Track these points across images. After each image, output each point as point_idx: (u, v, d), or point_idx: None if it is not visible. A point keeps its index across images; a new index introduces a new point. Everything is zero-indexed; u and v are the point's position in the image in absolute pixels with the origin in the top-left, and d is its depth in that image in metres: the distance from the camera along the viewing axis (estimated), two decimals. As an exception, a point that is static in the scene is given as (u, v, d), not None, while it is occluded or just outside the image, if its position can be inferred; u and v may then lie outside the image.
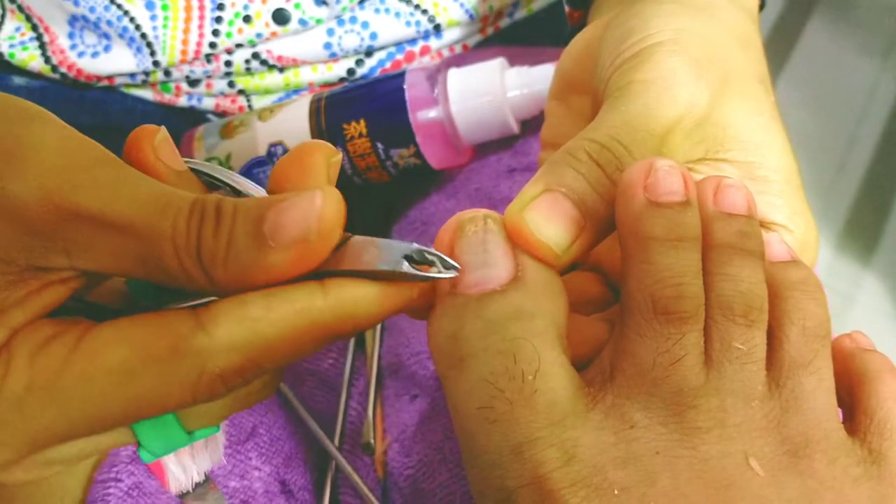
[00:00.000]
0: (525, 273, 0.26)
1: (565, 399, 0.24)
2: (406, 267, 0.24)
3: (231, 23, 0.51)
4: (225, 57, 0.52)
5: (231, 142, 0.52)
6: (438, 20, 0.53)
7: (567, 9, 0.44)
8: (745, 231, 0.26)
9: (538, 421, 0.24)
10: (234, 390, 0.24)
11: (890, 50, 1.36)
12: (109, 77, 0.53)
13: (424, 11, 0.52)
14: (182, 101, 0.55)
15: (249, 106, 0.55)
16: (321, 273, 0.24)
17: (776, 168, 0.30)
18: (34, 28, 0.52)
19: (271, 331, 0.23)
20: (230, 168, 0.51)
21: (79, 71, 0.52)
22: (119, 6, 0.50)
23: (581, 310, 0.29)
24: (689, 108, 0.29)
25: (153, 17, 0.50)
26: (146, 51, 0.51)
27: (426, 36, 0.54)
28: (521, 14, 0.57)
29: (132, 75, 0.53)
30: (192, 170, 0.27)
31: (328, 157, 0.26)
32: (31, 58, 0.52)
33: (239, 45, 0.51)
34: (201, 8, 0.51)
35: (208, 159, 0.52)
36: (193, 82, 0.54)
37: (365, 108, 0.49)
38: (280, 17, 0.51)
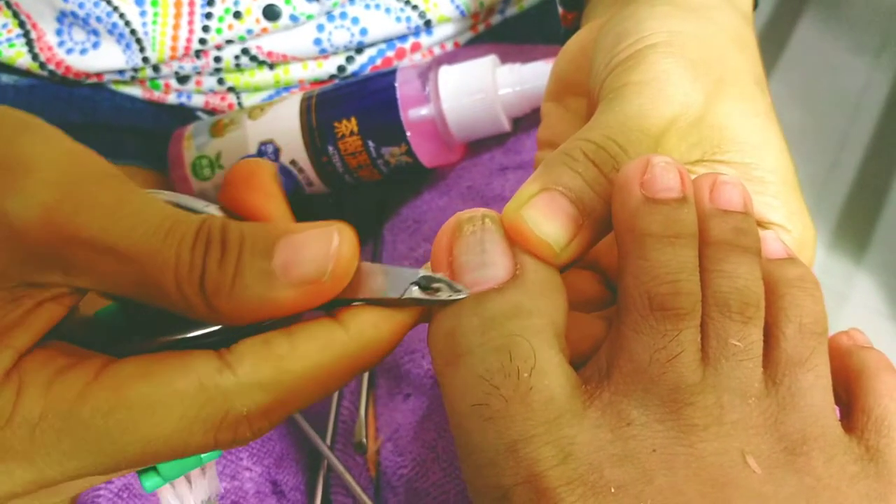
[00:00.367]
0: (523, 271, 0.26)
1: (561, 397, 0.24)
2: (417, 293, 0.25)
3: (221, 19, 0.50)
4: (214, 53, 0.52)
5: (221, 140, 0.51)
6: (429, 16, 0.52)
7: (560, 10, 0.44)
8: (741, 228, 0.26)
9: (534, 418, 0.24)
10: (258, 435, 0.24)
11: (882, 49, 1.36)
12: (98, 74, 0.53)
13: (415, 7, 0.52)
14: (171, 99, 0.55)
15: (239, 104, 0.55)
16: (330, 303, 0.24)
17: (773, 169, 0.30)
18: (21, 24, 0.52)
19: (298, 367, 0.23)
20: (221, 167, 0.51)
21: (67, 68, 0.52)
22: (108, 2, 0.49)
23: (579, 309, 0.29)
24: (684, 108, 0.29)
25: (143, 13, 0.50)
26: (135, 47, 0.51)
27: (417, 32, 0.54)
28: (512, 11, 0.57)
29: (121, 72, 0.53)
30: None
31: (272, 174, 0.26)
32: (18, 55, 0.52)
33: (229, 42, 0.51)
34: (191, 4, 0.50)
35: (198, 158, 0.52)
36: (183, 79, 0.54)
37: (356, 106, 0.49)
38: (270, 12, 0.50)
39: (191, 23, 0.50)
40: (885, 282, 1.14)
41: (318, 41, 0.52)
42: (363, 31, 0.52)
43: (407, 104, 0.48)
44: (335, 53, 0.53)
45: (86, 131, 0.53)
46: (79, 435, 0.22)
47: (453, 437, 0.26)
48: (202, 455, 0.25)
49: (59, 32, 0.52)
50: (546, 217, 0.26)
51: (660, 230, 0.25)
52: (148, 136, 0.55)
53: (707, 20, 0.32)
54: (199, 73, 0.53)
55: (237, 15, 0.50)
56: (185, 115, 0.56)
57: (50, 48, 0.52)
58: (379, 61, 0.54)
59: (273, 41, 0.52)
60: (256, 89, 0.54)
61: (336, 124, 0.48)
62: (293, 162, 0.50)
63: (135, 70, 0.52)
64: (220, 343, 0.24)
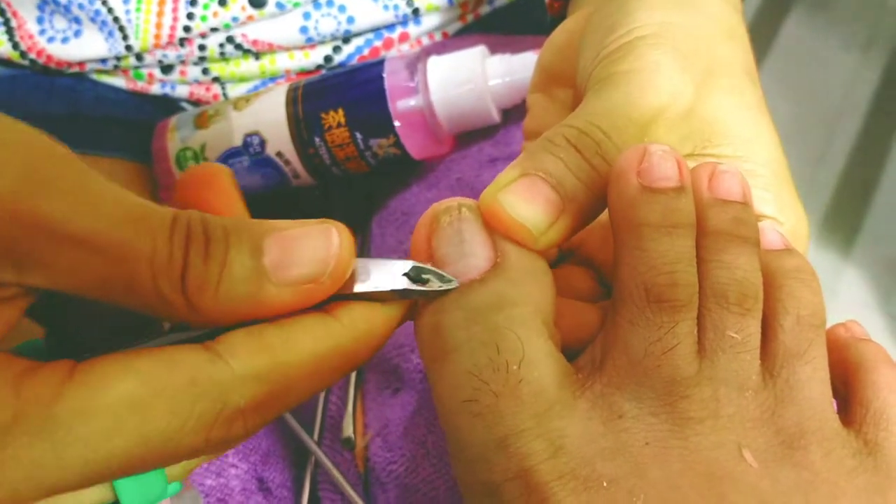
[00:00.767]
0: (505, 259, 0.25)
1: (552, 387, 0.24)
2: (409, 285, 0.24)
3: (206, 6, 0.49)
4: (199, 41, 0.51)
5: (206, 132, 0.51)
6: (417, 4, 0.52)
7: None
8: (740, 218, 0.26)
9: (524, 412, 0.23)
10: (250, 434, 0.22)
11: (870, 44, 1.36)
12: (80, 63, 0.52)
13: (403, -5, 0.51)
14: (155, 89, 0.54)
15: (224, 94, 0.54)
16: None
17: (764, 162, 0.29)
18: (2, 13, 0.51)
19: (293, 358, 0.22)
20: (205, 158, 0.50)
21: (48, 57, 0.51)
22: (90, -11, 0.49)
23: None
24: (673, 99, 0.29)
25: (126, 1, 0.49)
26: (118, 35, 0.50)
27: (405, 22, 0.53)
28: (501, 1, 0.56)
29: (103, 61, 0.52)
30: None
31: (231, 176, 0.25)
32: (-2, 43, 0.51)
33: (214, 30, 0.50)
34: (175, -9, 0.49)
35: (182, 150, 0.51)
36: (166, 69, 0.53)
37: (343, 97, 0.48)
38: (256, 0, 0.49)
39: (175, 10, 0.50)
40: (872, 275, 1.15)
41: (304, 29, 0.51)
42: (350, 20, 0.51)
43: (395, 95, 0.47)
44: (322, 43, 0.52)
45: (68, 122, 0.52)
46: (57, 440, 0.19)
47: (443, 432, 0.25)
48: (171, 485, 0.24)
49: (39, 20, 0.51)
50: (524, 201, 0.25)
51: (657, 220, 0.25)
52: (131, 127, 0.54)
53: (697, 11, 0.31)
54: (183, 63, 0.52)
55: (222, 2, 0.49)
56: (169, 105, 0.55)
57: (31, 36, 0.51)
58: (366, 51, 0.53)
59: (259, 29, 0.51)
60: (242, 80, 0.54)
61: (323, 115, 0.48)
62: (279, 154, 0.49)
63: (117, 59, 0.51)
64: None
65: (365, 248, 0.52)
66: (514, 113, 0.49)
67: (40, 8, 0.51)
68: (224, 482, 0.39)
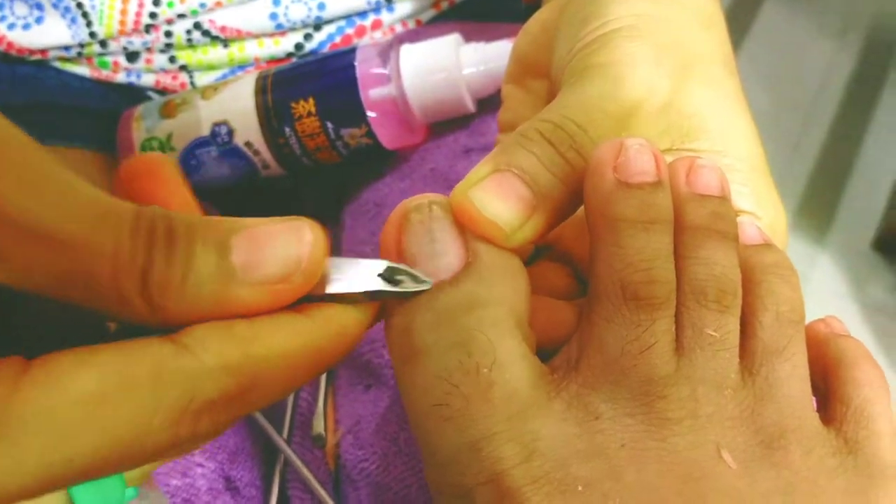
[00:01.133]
0: (477, 259, 0.24)
1: (524, 389, 0.23)
2: (383, 286, 0.23)
3: (172, -8, 0.48)
4: (165, 27, 0.50)
5: (172, 121, 0.49)
6: (390, -9, 0.51)
7: None
8: (718, 213, 0.26)
9: (496, 415, 0.23)
10: (217, 432, 0.21)
11: (845, 31, 1.37)
12: (42, 50, 0.50)
13: (375, -19, 0.50)
14: (120, 78, 0.53)
15: (192, 83, 0.53)
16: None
17: (742, 156, 0.29)
18: (-42, -2, 0.49)
19: (264, 352, 0.21)
20: (172, 149, 0.49)
21: (9, 44, 0.50)
22: (50, -26, 0.47)
23: None
24: (649, 92, 0.28)
25: (88, -14, 0.48)
26: (81, 21, 0.48)
27: (377, 9, 0.52)
28: (476, -12, 0.56)
29: (66, 48, 0.50)
30: None
31: (176, 166, 0.24)
32: (-45, 30, 0.49)
33: (181, 16, 0.49)
34: (140, -24, 0.48)
35: (148, 140, 0.50)
36: (132, 56, 0.52)
37: (314, 86, 0.47)
38: None
39: (140, -5, 0.48)
40: (846, 263, 1.15)
41: (274, 16, 0.50)
42: (321, 6, 0.50)
43: (367, 84, 0.46)
44: (292, 30, 0.51)
45: (30, 112, 0.51)
46: (14, 441, 0.18)
47: (413, 435, 0.25)
48: (128, 489, 0.23)
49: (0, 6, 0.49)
50: (495, 198, 0.25)
51: (634, 215, 0.24)
52: (96, 116, 0.53)
53: (673, 1, 0.31)
54: (149, 50, 0.51)
55: (189, -13, 0.48)
56: (134, 94, 0.54)
57: (-10, 23, 0.49)
58: (338, 39, 0.52)
59: (227, 15, 0.50)
60: (210, 68, 0.52)
61: (293, 105, 0.47)
62: (248, 143, 0.48)
63: (81, 46, 0.50)
64: None
65: (336, 240, 0.51)
66: (489, 102, 0.49)
67: (0, -7, 0.49)
68: (190, 482, 0.38)
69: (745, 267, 0.26)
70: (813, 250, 1.17)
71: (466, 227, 0.25)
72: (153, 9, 0.48)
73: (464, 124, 0.49)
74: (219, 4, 0.49)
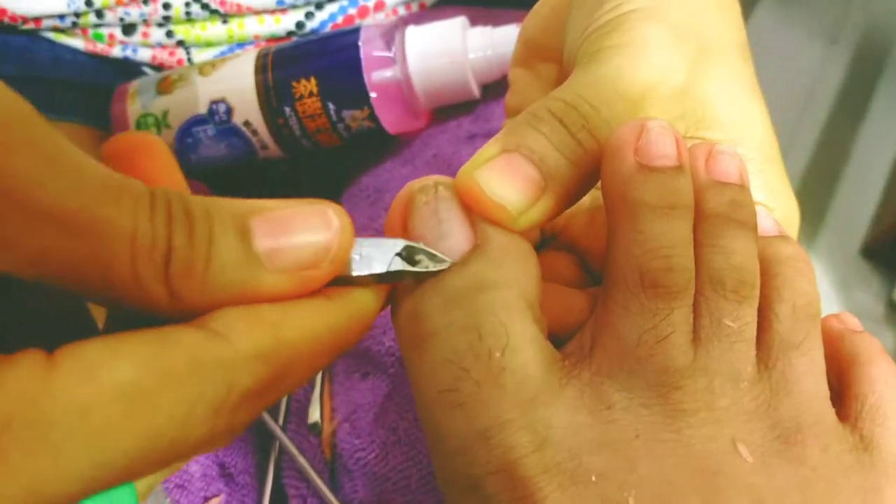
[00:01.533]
0: (485, 240, 0.24)
1: (537, 375, 0.23)
2: (404, 266, 0.23)
3: (172, -38, 0.47)
4: (163, -1, 0.48)
5: (169, 98, 0.48)
6: (395, -29, 0.50)
7: None
8: (737, 201, 0.25)
9: (507, 401, 0.22)
10: (250, 422, 0.20)
11: (836, 37, 1.37)
12: (36, 19, 0.49)
13: (380, -39, 0.49)
14: (115, 52, 0.52)
15: (189, 60, 0.52)
16: None
17: (756, 146, 0.29)
18: (-50, -37, 0.48)
19: (294, 336, 0.20)
20: (168, 126, 0.48)
21: (2, 10, 0.48)
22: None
23: None
24: (665, 75, 0.27)
25: (85, -46, 0.47)
26: (77, -10, 0.47)
27: (382, -11, 0.51)
28: (482, -28, 0.55)
29: (61, 17, 0.49)
30: None
31: (165, 145, 0.23)
32: (-54, -4, 0.48)
33: (180, -12, 0.48)
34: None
35: (143, 116, 0.48)
36: (128, 28, 0.50)
37: (316, 66, 0.46)
38: None
39: (139, -36, 0.47)
40: (834, 269, 1.16)
41: (275, -9, 0.49)
42: (324, -15, 0.49)
43: (371, 65, 0.45)
44: (294, 7, 0.50)
45: (22, 84, 0.49)
46: (55, 445, 0.16)
47: (421, 423, 0.24)
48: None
49: (-8, -27, 0.48)
50: (502, 179, 0.24)
51: (654, 200, 0.24)
52: (90, 91, 0.52)
53: None
54: (146, 23, 0.50)
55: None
56: (130, 69, 0.53)
57: (-18, -10, 0.48)
58: (340, 19, 0.51)
59: (227, -11, 0.49)
60: (208, 44, 0.51)
61: (294, 84, 0.46)
62: (246, 123, 0.47)
63: (76, 16, 0.49)
64: None
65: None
66: (494, 88, 0.48)
67: (-7, -41, 0.48)
68: (183, 468, 0.37)
69: (762, 258, 0.25)
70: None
71: (471, 208, 0.24)
72: (152, -20, 0.47)
73: (468, 110, 0.49)
74: (219, -22, 0.48)
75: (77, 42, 0.51)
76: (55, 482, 0.16)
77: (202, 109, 0.47)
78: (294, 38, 0.51)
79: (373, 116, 0.46)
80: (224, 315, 0.19)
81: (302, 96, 0.46)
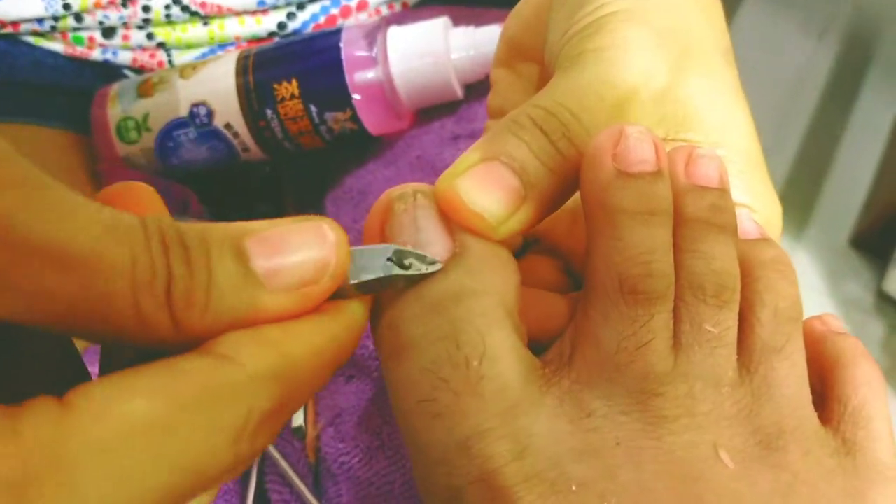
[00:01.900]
0: (464, 249, 0.24)
1: (516, 383, 0.22)
2: (398, 271, 0.23)
3: (151, -36, 0.47)
4: (143, 2, 0.48)
5: (149, 101, 0.48)
6: (377, -29, 0.49)
7: None
8: (717, 205, 0.25)
9: (486, 411, 0.22)
10: (267, 446, 0.20)
11: (825, 31, 1.38)
12: (14, 23, 0.48)
13: (362, -39, 0.49)
14: (95, 55, 0.51)
15: (170, 62, 0.52)
16: None
17: (739, 149, 0.28)
18: (-75, -33, 0.47)
19: (300, 351, 0.20)
20: (148, 129, 0.48)
21: (-21, 16, 0.48)
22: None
23: None
24: (646, 79, 0.27)
25: (63, -44, 0.46)
26: (55, -8, 0.47)
27: (364, -10, 0.51)
28: (464, -29, 0.54)
29: (40, 21, 0.48)
30: None
31: (158, 198, 0.22)
32: (-78, 1, 0.47)
33: (159, -10, 0.47)
34: (117, -53, 0.46)
35: (124, 119, 0.48)
36: (108, 32, 0.50)
37: (297, 67, 0.46)
38: None
39: (117, -33, 0.47)
40: (823, 260, 1.16)
41: (256, -7, 0.49)
42: (306, -15, 0.49)
43: (353, 66, 0.45)
44: (275, 8, 0.50)
45: (2, 89, 0.49)
46: (77, 487, 0.16)
47: (401, 433, 0.24)
48: None
49: (-32, -23, 0.47)
50: (483, 188, 0.24)
51: (633, 206, 0.23)
52: (69, 95, 0.52)
53: None
54: (125, 26, 0.50)
55: (168, -38, 0.47)
56: (110, 73, 0.53)
57: (-41, -6, 0.48)
58: (322, 19, 0.51)
59: (207, -9, 0.48)
60: (189, 46, 0.51)
61: (275, 86, 0.46)
62: (228, 126, 0.47)
63: (55, 19, 0.48)
64: None
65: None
66: (477, 88, 0.48)
67: (-31, -38, 0.47)
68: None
69: (743, 261, 0.25)
70: (790, 247, 1.18)
71: (450, 217, 0.24)
72: (131, -17, 0.47)
73: (451, 110, 0.48)
74: (199, -20, 0.47)
75: (57, 46, 0.51)
76: None
77: (183, 112, 0.47)
78: (276, 39, 0.51)
79: (355, 118, 0.46)
80: (230, 339, 0.19)
81: (283, 98, 0.46)
